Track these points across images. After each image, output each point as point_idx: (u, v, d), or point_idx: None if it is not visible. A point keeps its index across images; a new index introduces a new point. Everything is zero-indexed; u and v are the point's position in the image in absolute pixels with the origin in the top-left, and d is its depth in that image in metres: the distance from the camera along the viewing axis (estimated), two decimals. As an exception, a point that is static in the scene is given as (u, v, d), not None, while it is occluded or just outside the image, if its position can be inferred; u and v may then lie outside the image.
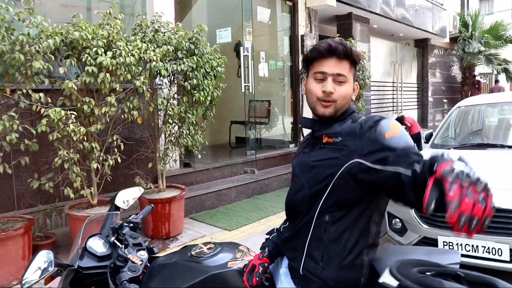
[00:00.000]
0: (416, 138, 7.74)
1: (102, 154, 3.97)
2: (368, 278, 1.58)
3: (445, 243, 3.73)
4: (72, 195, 3.75)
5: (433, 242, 3.83)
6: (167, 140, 4.65)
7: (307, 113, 8.33)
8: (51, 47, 3.38)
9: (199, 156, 4.94)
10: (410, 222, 4.02)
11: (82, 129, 3.63)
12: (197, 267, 1.83)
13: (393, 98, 12.82)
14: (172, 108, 4.37)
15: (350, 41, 7.37)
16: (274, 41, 8.28)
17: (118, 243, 1.82)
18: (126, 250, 1.80)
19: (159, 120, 4.56)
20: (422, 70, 14.52)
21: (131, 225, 1.95)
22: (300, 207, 1.58)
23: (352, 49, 1.55)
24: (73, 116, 3.57)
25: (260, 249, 1.80)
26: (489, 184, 1.04)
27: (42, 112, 3.50)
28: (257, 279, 1.68)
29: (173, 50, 4.24)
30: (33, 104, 3.49)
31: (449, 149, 4.92)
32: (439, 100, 15.22)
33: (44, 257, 1.70)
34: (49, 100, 3.57)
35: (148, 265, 1.86)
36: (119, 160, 4.07)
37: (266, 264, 1.73)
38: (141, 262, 1.77)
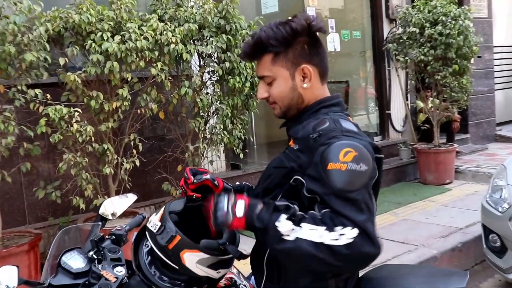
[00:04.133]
0: None
1: (117, 157, 4.15)
2: None
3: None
4: (82, 206, 3.92)
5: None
6: (200, 137, 4.67)
7: (395, 95, 8.06)
8: (44, 35, 3.46)
9: (241, 155, 4.96)
10: (511, 240, 3.77)
11: (89, 128, 3.72)
12: None
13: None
14: (200, 99, 4.38)
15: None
16: (347, 5, 8.07)
17: (95, 258, 1.96)
18: (100, 265, 1.92)
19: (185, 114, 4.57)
20: None
21: (113, 237, 2.06)
22: None
23: (264, 37, 1.57)
24: (76, 113, 3.67)
25: None
26: None
27: (41, 111, 3.64)
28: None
29: (197, 28, 4.22)
30: (31, 101, 3.61)
31: None
32: None
33: (6, 274, 1.85)
34: (49, 96, 3.68)
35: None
36: (137, 163, 4.15)
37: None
38: (115, 279, 1.87)
